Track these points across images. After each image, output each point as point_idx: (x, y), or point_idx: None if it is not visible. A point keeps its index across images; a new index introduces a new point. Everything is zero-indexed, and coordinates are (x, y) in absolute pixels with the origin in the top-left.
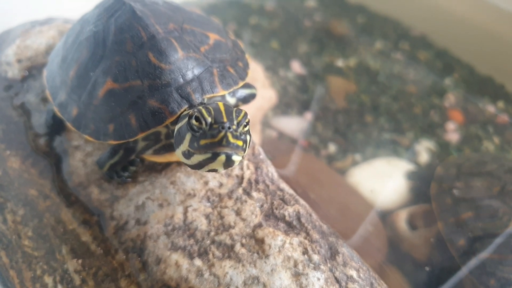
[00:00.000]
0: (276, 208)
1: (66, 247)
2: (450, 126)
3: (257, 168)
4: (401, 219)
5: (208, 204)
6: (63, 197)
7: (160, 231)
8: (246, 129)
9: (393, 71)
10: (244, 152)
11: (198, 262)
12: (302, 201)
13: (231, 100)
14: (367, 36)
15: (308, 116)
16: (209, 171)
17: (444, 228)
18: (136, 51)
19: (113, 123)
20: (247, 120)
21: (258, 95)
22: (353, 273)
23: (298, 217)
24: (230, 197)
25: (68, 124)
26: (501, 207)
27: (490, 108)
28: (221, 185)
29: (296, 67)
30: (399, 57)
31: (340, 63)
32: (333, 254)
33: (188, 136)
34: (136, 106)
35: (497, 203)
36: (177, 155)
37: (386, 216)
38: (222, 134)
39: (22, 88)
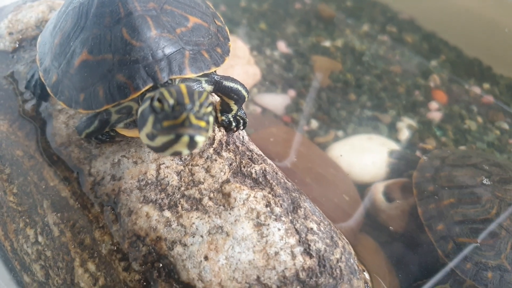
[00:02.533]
0: (244, 167)
1: (47, 202)
2: (434, 105)
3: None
4: (379, 191)
5: (180, 162)
6: (46, 157)
7: (134, 186)
8: (208, 110)
9: (378, 52)
10: (207, 132)
11: (167, 213)
12: (269, 161)
13: (208, 88)
14: (355, 19)
15: (292, 93)
16: (173, 154)
17: (423, 214)
18: (112, 26)
19: (84, 93)
20: (209, 101)
21: (242, 71)
22: (314, 226)
23: (264, 174)
24: (201, 156)
25: (49, 90)
26: (484, 195)
27: (476, 89)
28: None
29: (282, 46)
30: (386, 39)
31: (326, 43)
32: (295, 208)
33: (151, 118)
34: (105, 79)
35: (480, 191)
36: (141, 138)
37: (364, 189)
38: (184, 115)
39: (12, 59)
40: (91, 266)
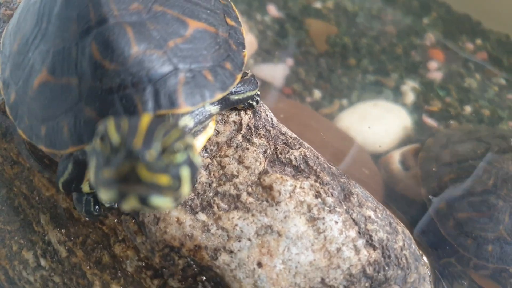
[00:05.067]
0: (281, 153)
1: (44, 217)
2: (433, 65)
3: (255, 113)
4: (395, 161)
5: (206, 154)
6: (34, 161)
7: None
8: (179, 158)
9: (371, 12)
10: (178, 191)
11: (202, 216)
12: (306, 144)
13: (214, 109)
14: None
15: (290, 62)
16: (128, 210)
17: (426, 193)
18: (80, 38)
19: (45, 126)
20: (181, 145)
21: None
22: (371, 214)
23: (306, 160)
24: (229, 145)
25: (7, 110)
26: (482, 166)
27: (469, 46)
28: (218, 133)
29: (273, 10)
30: None
31: (317, 4)
32: (346, 195)
33: (93, 162)
34: (70, 112)
35: (478, 163)
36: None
37: (379, 158)
38: (126, 166)
39: None
40: None
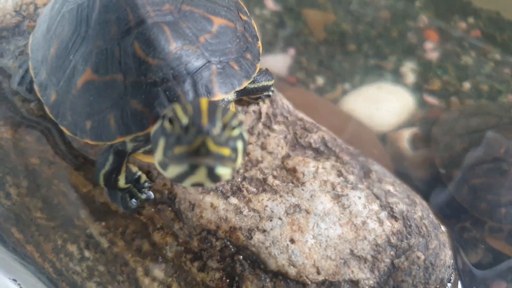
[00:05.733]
0: (300, 137)
1: (84, 212)
2: (428, 45)
3: (272, 101)
4: (404, 139)
5: None
6: (69, 160)
7: None
8: (235, 133)
9: None
10: (235, 162)
11: (234, 200)
12: (323, 128)
13: (231, 96)
14: None
15: (291, 52)
16: (193, 185)
17: (440, 164)
18: (121, 38)
19: (90, 120)
20: (237, 121)
21: None
22: (390, 188)
23: (324, 142)
24: (251, 133)
25: (47, 110)
26: (493, 136)
27: (462, 25)
28: None
29: (270, 3)
30: None
31: None
32: (366, 172)
33: (162, 142)
34: (116, 106)
35: (489, 133)
36: (156, 165)
37: (385, 139)
38: (199, 140)
39: None
40: (159, 274)
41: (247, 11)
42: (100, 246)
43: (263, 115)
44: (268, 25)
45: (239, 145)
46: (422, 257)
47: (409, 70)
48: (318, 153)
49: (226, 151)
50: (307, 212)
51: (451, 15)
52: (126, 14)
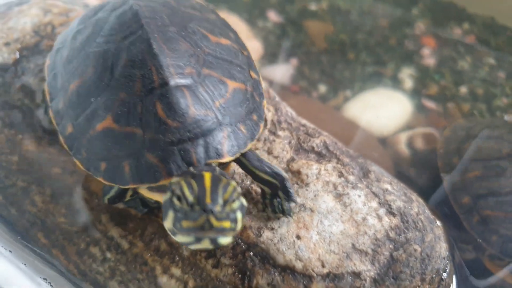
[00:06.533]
0: (304, 142)
1: (105, 216)
2: (425, 52)
3: (276, 109)
4: (402, 142)
5: None
6: None
7: None
8: (235, 205)
9: (363, 8)
10: (234, 231)
11: (244, 202)
12: (325, 133)
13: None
14: None
15: (294, 62)
16: (199, 250)
17: (449, 186)
18: (144, 96)
19: (106, 163)
20: (237, 194)
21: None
22: (388, 186)
23: (326, 146)
24: (258, 140)
25: (61, 138)
26: (509, 167)
27: (457, 31)
28: None
29: (273, 16)
30: None
31: (313, 6)
32: (365, 173)
33: (171, 214)
34: (133, 156)
35: (505, 163)
36: (166, 230)
37: (385, 142)
38: (203, 218)
39: (16, 71)
40: (176, 271)
41: (255, 67)
42: (120, 248)
43: (269, 122)
44: (271, 37)
45: (239, 215)
46: (419, 249)
47: (407, 76)
48: (320, 156)
49: (227, 224)
50: (312, 210)
51: (447, 21)
52: (151, 73)
